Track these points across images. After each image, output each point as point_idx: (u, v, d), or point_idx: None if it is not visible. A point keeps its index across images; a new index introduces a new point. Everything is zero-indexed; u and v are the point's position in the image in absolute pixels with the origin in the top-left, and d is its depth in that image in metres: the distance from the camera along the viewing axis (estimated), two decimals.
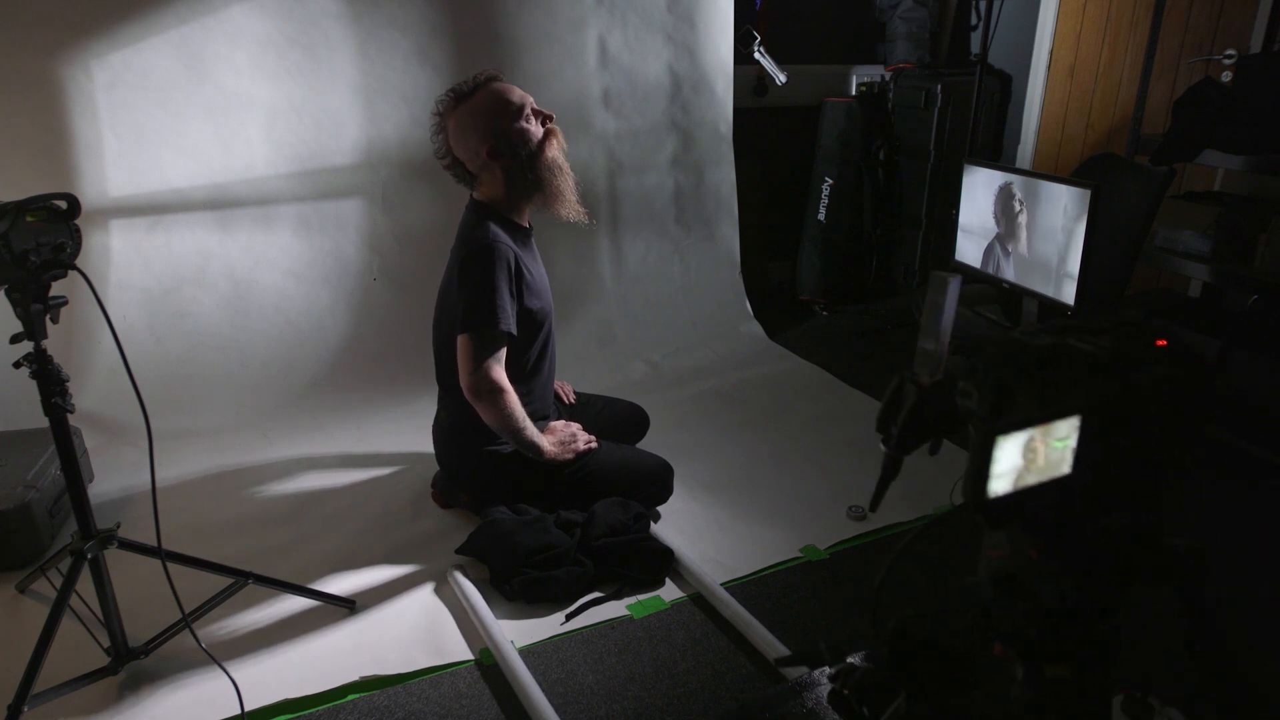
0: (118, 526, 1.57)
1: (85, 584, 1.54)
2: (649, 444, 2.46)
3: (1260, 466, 2.42)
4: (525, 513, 2.04)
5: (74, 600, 1.53)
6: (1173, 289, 3.34)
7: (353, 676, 1.65)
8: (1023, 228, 2.66)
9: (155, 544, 1.52)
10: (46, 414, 1.44)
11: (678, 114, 3.36)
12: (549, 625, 1.81)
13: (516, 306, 2.00)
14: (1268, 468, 2.41)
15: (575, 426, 2.17)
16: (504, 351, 1.99)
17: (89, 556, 1.51)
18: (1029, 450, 0.65)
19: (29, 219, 1.35)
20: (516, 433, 2.00)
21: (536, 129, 2.02)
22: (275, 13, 2.64)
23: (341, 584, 1.92)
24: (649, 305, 3.38)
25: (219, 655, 1.60)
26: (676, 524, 2.16)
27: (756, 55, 3.51)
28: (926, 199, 3.77)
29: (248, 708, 1.55)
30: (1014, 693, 0.78)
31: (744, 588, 1.93)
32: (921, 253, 3.84)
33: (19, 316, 1.39)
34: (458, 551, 2.01)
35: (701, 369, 3.17)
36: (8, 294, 1.39)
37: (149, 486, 1.46)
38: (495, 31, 2.94)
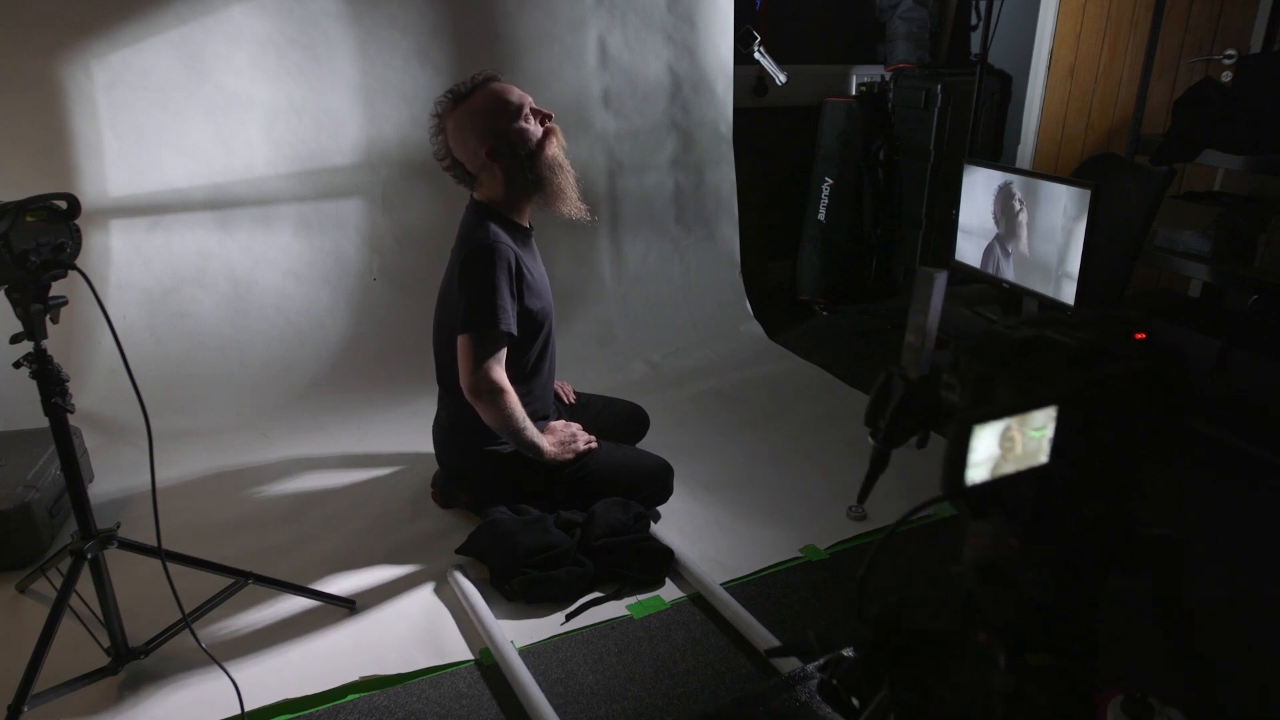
0: (118, 526, 1.57)
1: (85, 584, 1.54)
2: (649, 444, 2.46)
3: (1260, 466, 2.42)
4: (525, 513, 2.04)
5: (74, 600, 1.53)
6: (1173, 289, 3.34)
7: (353, 676, 1.65)
8: (1023, 227, 2.66)
9: (155, 544, 1.52)
10: (46, 414, 1.44)
11: (678, 114, 3.36)
12: (549, 625, 1.81)
13: (517, 307, 2.00)
14: (1268, 468, 2.41)
15: (575, 426, 2.17)
16: (504, 352, 1.99)
17: (89, 556, 1.51)
18: (1006, 440, 0.66)
19: (29, 219, 1.35)
20: (516, 433, 2.00)
21: (535, 128, 2.02)
22: (275, 13, 2.64)
23: (341, 584, 1.92)
24: (649, 305, 3.38)
25: (219, 655, 1.60)
26: (676, 524, 2.16)
27: (756, 55, 3.51)
28: (926, 199, 3.77)
29: (248, 708, 1.55)
30: (996, 680, 0.79)
31: (744, 588, 1.93)
32: (921, 253, 3.84)
33: (19, 316, 1.39)
34: (458, 551, 2.01)
35: (701, 369, 3.17)
36: (8, 294, 1.39)
37: (149, 486, 1.46)
38: (495, 31, 2.94)
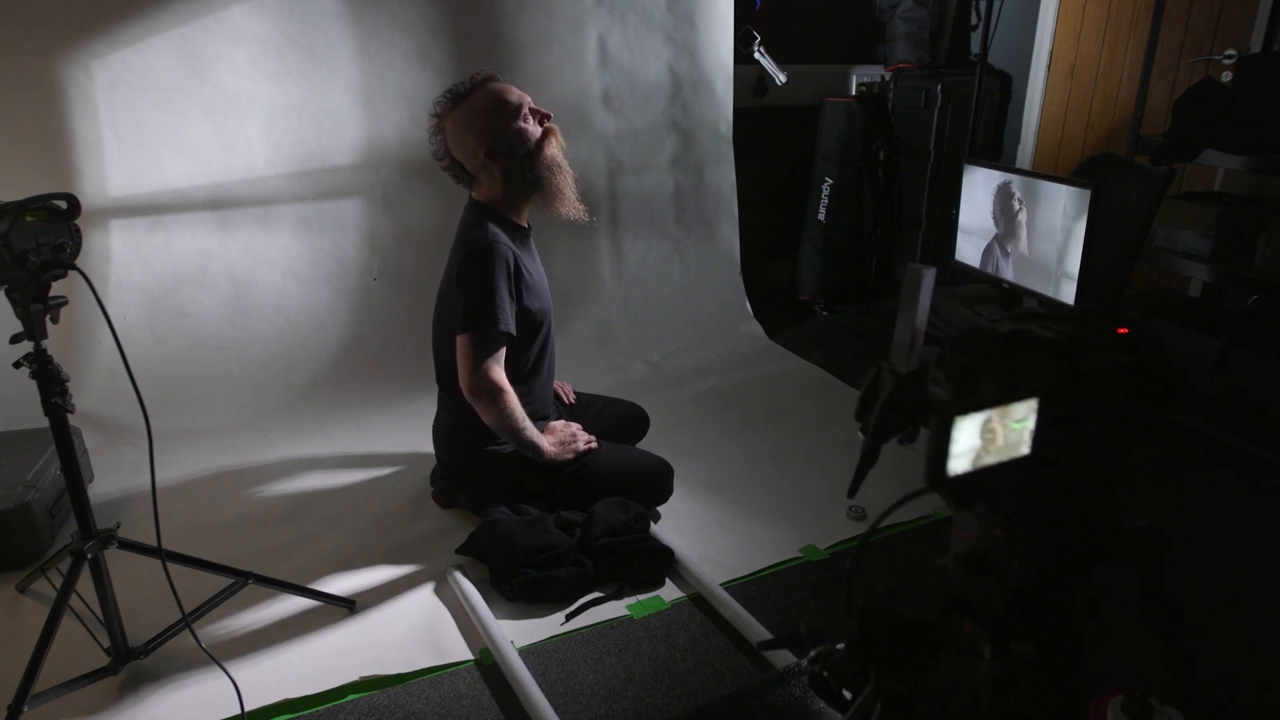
0: (118, 526, 1.57)
1: (85, 584, 1.54)
2: (649, 444, 2.46)
3: (1260, 466, 2.43)
4: (525, 513, 2.04)
5: (74, 600, 1.53)
6: (1173, 289, 3.34)
7: (353, 676, 1.65)
8: (1022, 227, 2.66)
9: (155, 544, 1.52)
10: (46, 414, 1.44)
11: (678, 114, 3.36)
12: (549, 625, 1.81)
13: (515, 306, 2.00)
14: (1268, 468, 2.41)
15: (575, 426, 2.17)
16: (503, 352, 1.99)
17: (89, 556, 1.51)
18: (987, 431, 0.67)
19: (29, 219, 1.35)
20: (516, 433, 2.00)
21: (534, 128, 2.02)
22: (275, 13, 2.64)
23: (341, 584, 1.92)
24: (649, 305, 3.38)
25: (219, 655, 1.60)
26: (676, 524, 2.16)
27: (756, 55, 3.51)
28: (926, 199, 3.77)
29: (248, 708, 1.55)
30: (982, 670, 0.80)
31: (744, 588, 1.93)
32: (921, 253, 3.84)
33: (19, 316, 1.39)
34: (458, 551, 2.01)
35: (701, 369, 3.17)
36: (8, 294, 1.39)
37: (149, 486, 1.46)
38: (495, 31, 2.94)
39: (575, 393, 2.44)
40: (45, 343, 1.42)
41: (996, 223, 2.77)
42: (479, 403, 1.97)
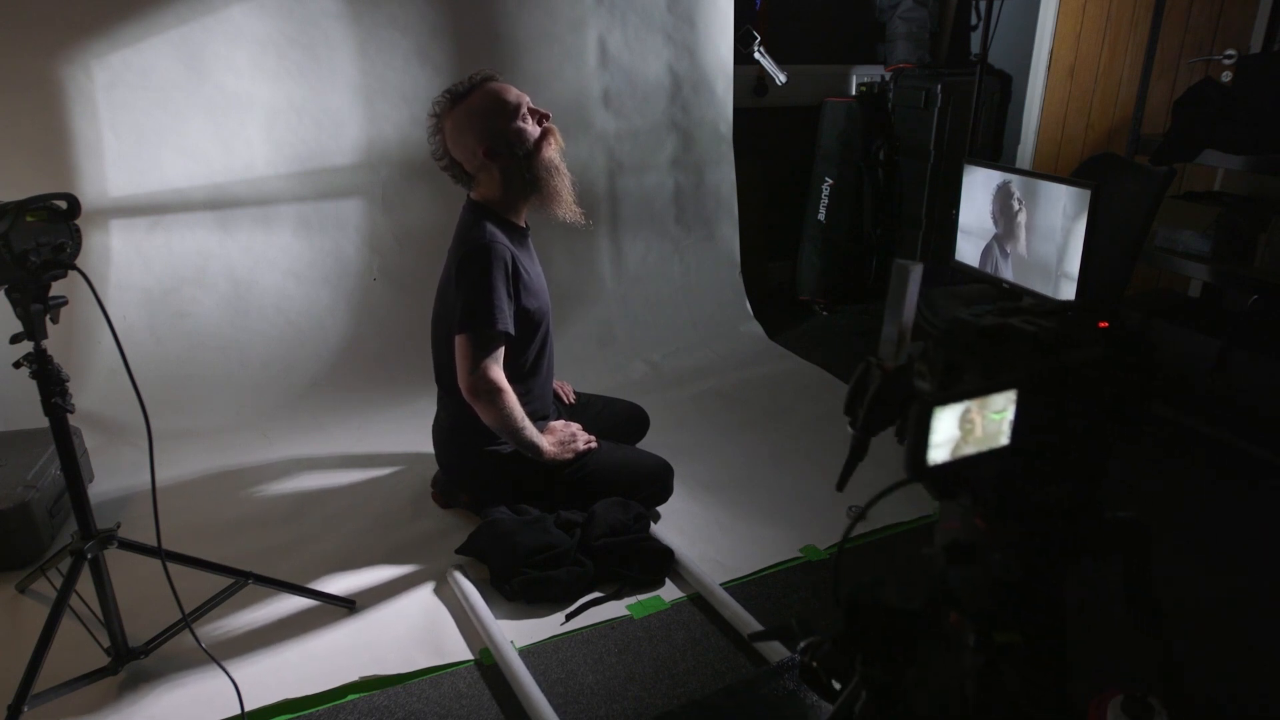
0: (118, 526, 1.57)
1: (85, 584, 1.54)
2: (649, 444, 2.46)
3: (1260, 466, 2.43)
4: (525, 513, 2.04)
5: (74, 600, 1.53)
6: (1173, 289, 3.34)
7: (353, 676, 1.65)
8: (1021, 228, 2.66)
9: (155, 544, 1.52)
10: (46, 414, 1.44)
11: (678, 114, 3.36)
12: (549, 625, 1.81)
13: (514, 306, 2.00)
14: (1268, 468, 2.41)
15: (575, 426, 2.17)
16: (502, 351, 1.99)
17: (89, 556, 1.51)
18: (965, 422, 0.69)
19: (29, 219, 1.35)
20: (516, 432, 2.00)
21: (533, 129, 2.02)
22: (275, 13, 2.64)
23: (341, 584, 1.92)
24: (649, 305, 3.38)
25: (219, 655, 1.60)
26: (676, 524, 2.16)
27: (756, 55, 3.51)
28: (926, 199, 3.77)
29: (248, 708, 1.55)
30: (967, 659, 0.81)
31: (744, 588, 1.93)
32: (921, 253, 3.84)
33: (19, 316, 1.40)
34: (458, 551, 2.01)
35: (701, 369, 3.17)
36: (8, 294, 1.39)
37: (149, 486, 1.46)
38: (495, 31, 2.94)
39: (575, 393, 2.44)
40: (45, 343, 1.42)
41: (996, 223, 2.77)
42: (478, 402, 1.97)
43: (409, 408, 2.74)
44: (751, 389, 3.00)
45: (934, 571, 0.83)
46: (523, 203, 2.08)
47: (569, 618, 1.83)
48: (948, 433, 0.68)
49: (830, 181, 3.77)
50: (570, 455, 2.09)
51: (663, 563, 1.96)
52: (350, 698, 1.62)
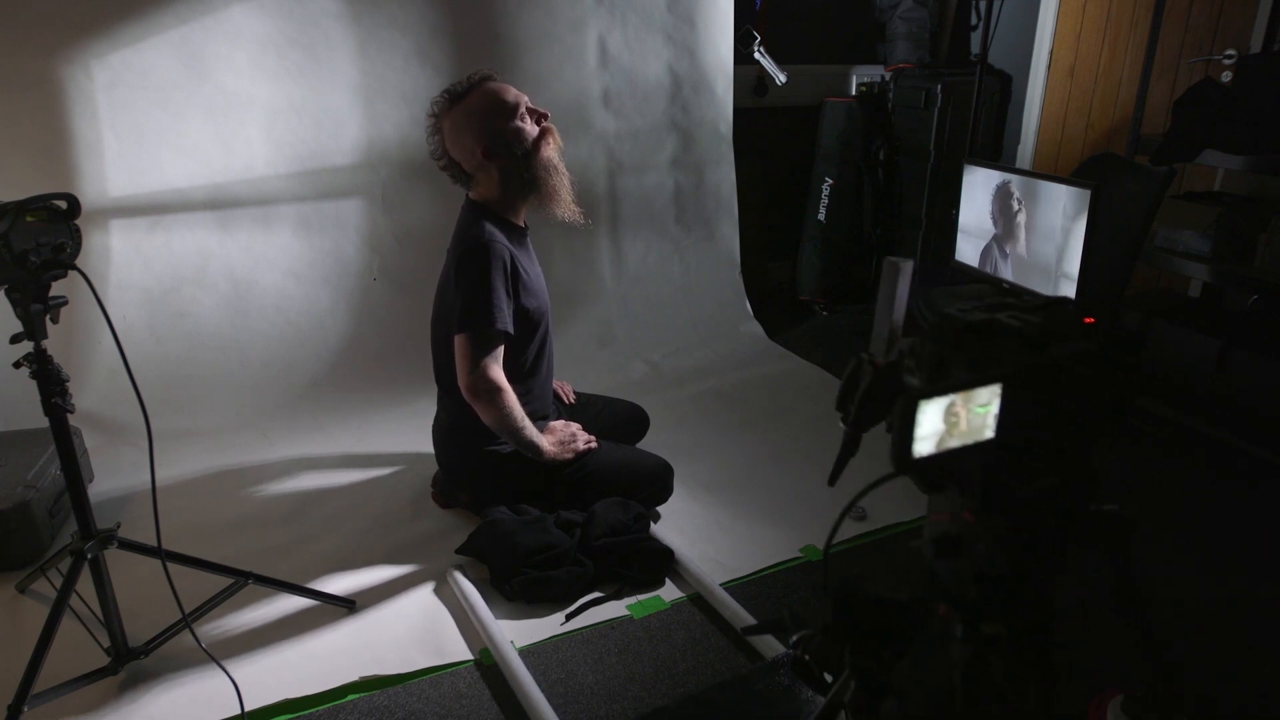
0: (118, 526, 1.57)
1: (85, 584, 1.54)
2: (649, 444, 2.46)
3: (1260, 466, 2.43)
4: (525, 513, 2.04)
5: (74, 600, 1.53)
6: (1173, 289, 3.34)
7: (353, 676, 1.65)
8: (1021, 228, 2.66)
9: (155, 544, 1.52)
10: (46, 414, 1.44)
11: (678, 114, 3.36)
12: (549, 625, 1.81)
13: (513, 305, 2.00)
14: (1268, 468, 2.41)
15: (575, 426, 2.17)
16: (501, 350, 1.99)
17: (89, 556, 1.51)
18: (950, 415, 0.70)
19: (29, 219, 1.35)
20: (515, 432, 2.00)
21: (531, 128, 2.02)
22: (275, 13, 2.64)
23: (341, 584, 1.92)
24: (649, 305, 3.38)
25: (219, 655, 1.60)
26: (676, 524, 2.16)
27: (756, 55, 3.51)
28: (926, 199, 3.76)
29: (248, 708, 1.55)
30: (954, 650, 0.82)
31: (744, 588, 1.93)
32: (921, 253, 3.84)
33: (19, 316, 1.40)
34: (458, 551, 2.01)
35: (701, 369, 3.17)
36: (8, 294, 1.39)
37: (149, 486, 1.46)
38: (495, 31, 2.94)
39: (575, 393, 2.44)
40: (45, 343, 1.42)
41: (995, 223, 2.77)
42: (478, 402, 1.97)
43: (409, 408, 2.74)
44: (751, 389, 3.00)
45: (924, 563, 0.84)
46: (521, 202, 2.08)
47: (569, 618, 1.83)
48: (932, 426, 0.69)
49: (830, 181, 3.77)
50: (570, 455, 2.09)
51: (663, 563, 1.96)
52: (350, 698, 1.62)
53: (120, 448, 2.49)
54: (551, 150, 2.04)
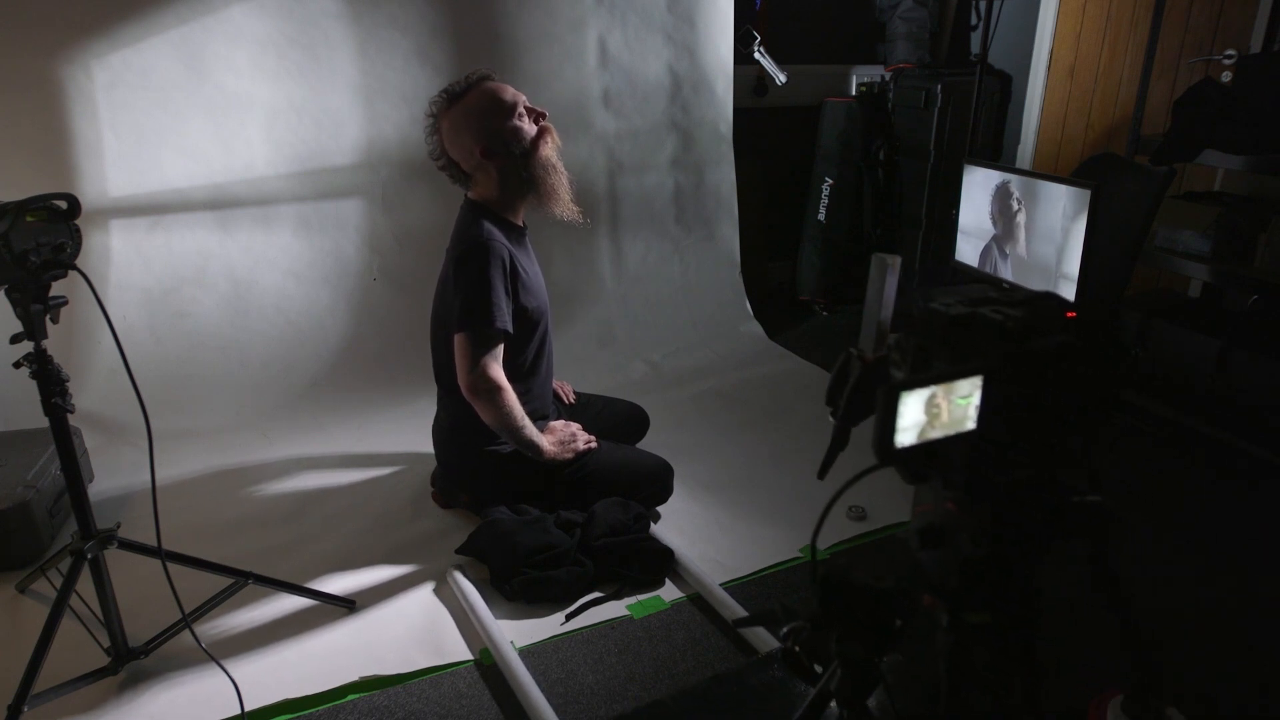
0: (118, 526, 1.57)
1: (85, 584, 1.54)
2: (649, 444, 2.46)
3: (1260, 466, 2.42)
4: (525, 513, 2.04)
5: (74, 600, 1.53)
6: (1173, 289, 3.34)
7: (352, 676, 1.65)
8: (1020, 228, 2.66)
9: (155, 544, 1.52)
10: (46, 414, 1.44)
11: (678, 114, 3.36)
12: (549, 625, 1.81)
13: (512, 304, 2.00)
14: (1268, 468, 2.41)
15: (575, 426, 2.17)
16: (501, 349, 1.99)
17: (89, 556, 1.51)
18: (931, 406, 0.71)
19: (29, 219, 1.35)
20: (515, 431, 2.00)
21: (530, 127, 2.02)
22: (275, 13, 2.64)
23: (341, 584, 1.92)
24: (649, 305, 3.38)
25: (219, 655, 1.60)
26: (676, 524, 2.16)
27: (756, 55, 3.51)
28: (926, 199, 3.77)
29: (248, 708, 1.55)
30: (939, 639, 0.83)
31: (744, 588, 1.93)
32: (921, 253, 3.84)
33: (19, 316, 1.40)
34: (458, 551, 2.01)
35: (701, 369, 3.17)
36: (8, 294, 1.39)
37: (149, 486, 1.46)
38: (495, 31, 2.94)
39: (575, 393, 2.44)
40: (45, 343, 1.42)
41: (995, 223, 2.77)
42: (478, 401, 1.97)
43: (409, 408, 2.74)
44: (751, 389, 3.00)
45: (910, 553, 0.85)
46: (520, 201, 2.08)
47: (569, 618, 1.83)
48: (914, 417, 0.70)
49: (830, 181, 3.77)
50: (570, 455, 2.09)
51: (663, 563, 1.95)
52: (350, 698, 1.62)
53: (120, 448, 2.49)
54: (550, 149, 2.04)
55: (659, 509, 2.21)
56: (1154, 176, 2.56)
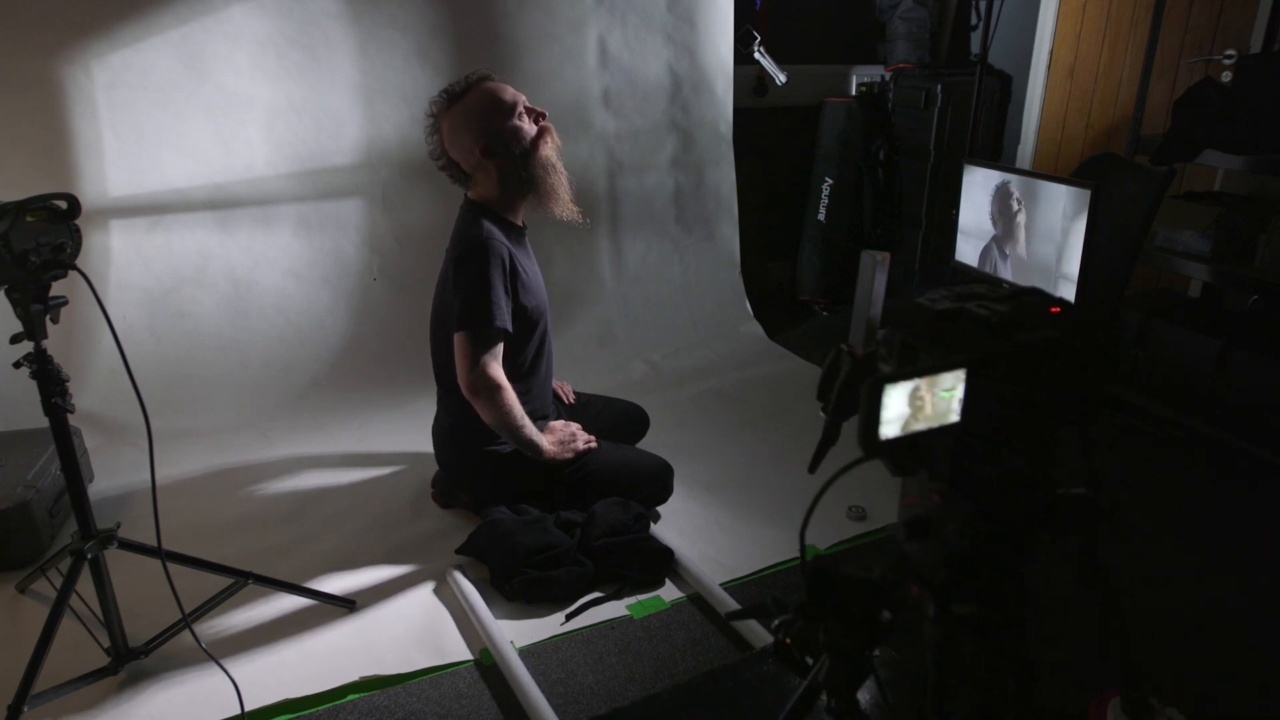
0: (118, 526, 1.57)
1: (85, 584, 1.54)
2: (649, 444, 2.46)
3: (1260, 466, 2.42)
4: (525, 513, 2.04)
5: (74, 600, 1.53)
6: (1173, 289, 3.34)
7: (352, 676, 1.65)
8: (1020, 228, 2.66)
9: (155, 544, 1.52)
10: (46, 414, 1.44)
11: (678, 114, 3.36)
12: (549, 625, 1.81)
13: (511, 304, 2.00)
14: (1268, 468, 2.41)
15: (575, 426, 2.17)
16: (500, 349, 1.99)
17: (89, 556, 1.51)
18: (915, 399, 0.72)
19: (29, 219, 1.35)
20: (515, 430, 2.00)
21: (530, 127, 2.02)
22: (275, 13, 2.64)
23: (341, 584, 1.92)
24: (649, 305, 3.38)
25: (219, 655, 1.60)
26: (676, 524, 2.16)
27: (756, 55, 3.51)
28: (926, 199, 3.77)
29: (248, 708, 1.55)
30: (927, 630, 0.84)
31: (744, 588, 1.93)
32: (921, 253, 3.84)
33: (19, 316, 1.40)
34: (458, 551, 2.01)
35: (701, 369, 3.17)
36: (8, 294, 1.39)
37: (149, 486, 1.46)
38: (495, 31, 2.94)
39: (575, 392, 2.44)
40: (45, 343, 1.42)
41: (995, 224, 2.77)
42: (478, 400, 1.97)
43: (409, 408, 2.74)
44: (751, 389, 3.00)
45: (898, 545, 0.86)
46: (520, 201, 2.08)
47: (569, 618, 1.83)
48: (898, 409, 0.71)
49: (830, 181, 3.77)
50: (570, 455, 2.09)
51: (663, 563, 1.96)
52: (350, 698, 1.62)
53: (120, 448, 2.49)
54: (549, 149, 2.04)
55: (659, 509, 2.21)
56: (1154, 176, 2.56)
